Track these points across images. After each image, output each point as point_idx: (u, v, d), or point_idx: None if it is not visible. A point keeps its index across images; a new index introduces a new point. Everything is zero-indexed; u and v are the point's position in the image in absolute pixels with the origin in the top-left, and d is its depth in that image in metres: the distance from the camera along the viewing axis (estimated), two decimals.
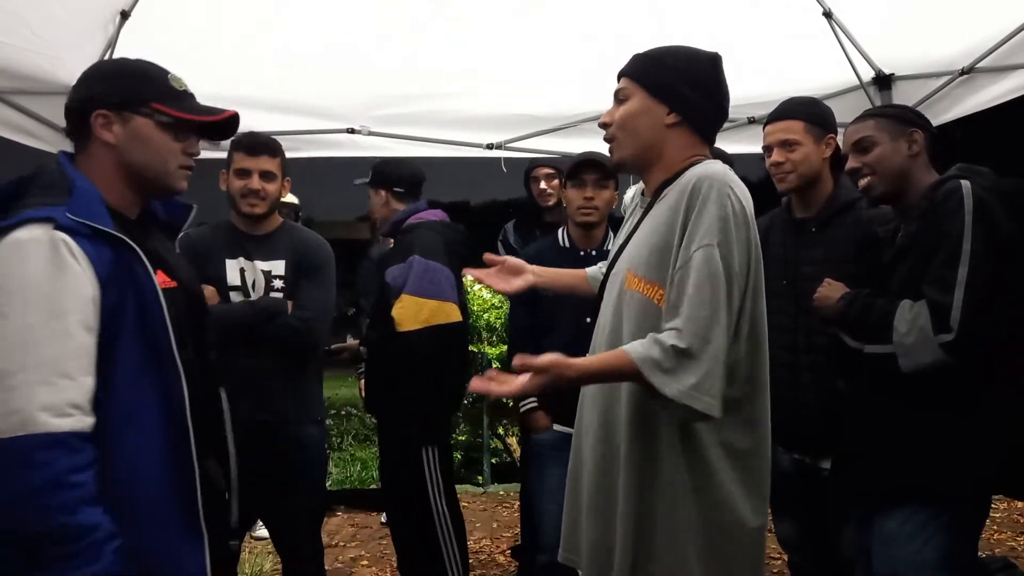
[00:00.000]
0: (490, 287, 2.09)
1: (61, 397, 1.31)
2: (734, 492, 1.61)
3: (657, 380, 1.51)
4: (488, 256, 2.09)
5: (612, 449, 1.68)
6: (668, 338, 1.52)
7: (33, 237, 1.35)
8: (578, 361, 1.56)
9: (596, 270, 2.06)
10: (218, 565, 1.57)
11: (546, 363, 1.50)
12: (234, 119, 1.63)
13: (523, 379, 1.51)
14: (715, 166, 1.65)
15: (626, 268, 1.70)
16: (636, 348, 1.54)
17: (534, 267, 2.07)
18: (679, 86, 1.70)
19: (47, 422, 1.28)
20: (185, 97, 1.58)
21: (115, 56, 3.26)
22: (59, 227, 1.37)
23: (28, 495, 1.27)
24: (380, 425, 3.13)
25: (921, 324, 1.83)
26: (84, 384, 1.35)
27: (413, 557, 2.98)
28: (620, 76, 1.77)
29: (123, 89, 1.53)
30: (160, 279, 1.48)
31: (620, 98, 1.75)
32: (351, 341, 2.87)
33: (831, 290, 2.09)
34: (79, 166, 1.52)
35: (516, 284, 2.02)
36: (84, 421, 1.33)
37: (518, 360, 1.51)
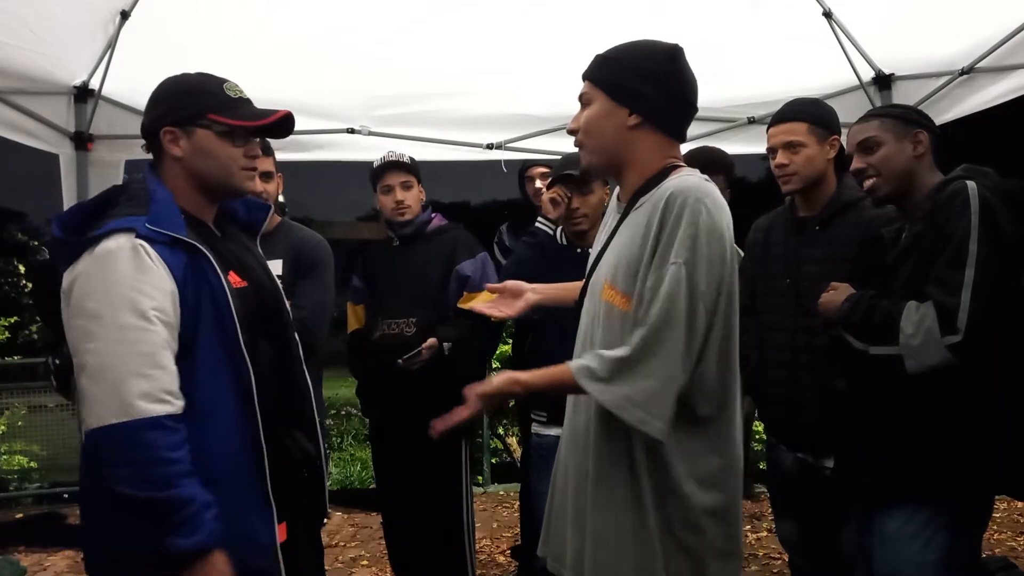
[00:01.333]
0: (493, 316, 2.07)
1: (155, 385, 1.49)
2: (702, 513, 1.58)
3: (592, 387, 1.53)
4: (490, 286, 2.10)
5: (586, 461, 1.66)
6: (613, 352, 1.54)
7: (118, 246, 1.52)
8: (525, 375, 1.63)
9: None
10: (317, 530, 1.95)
11: (496, 385, 1.62)
12: (287, 119, 1.73)
13: (472, 401, 1.62)
14: (690, 179, 1.59)
15: (604, 278, 1.67)
16: (576, 360, 1.59)
17: (534, 286, 2.05)
18: (638, 86, 1.63)
19: (146, 408, 1.47)
20: (240, 104, 1.70)
21: (115, 56, 3.27)
22: (139, 236, 1.54)
23: (137, 470, 1.46)
24: (418, 425, 2.97)
25: (928, 326, 1.82)
26: (173, 371, 1.52)
27: (436, 552, 2.97)
28: (583, 79, 1.72)
29: (183, 105, 1.67)
30: (232, 279, 1.65)
31: (583, 102, 1.71)
32: (430, 341, 2.84)
33: (836, 294, 2.08)
34: (160, 177, 1.69)
35: (518, 307, 1.99)
36: (176, 404, 1.51)
37: (467, 390, 1.62)
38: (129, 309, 1.49)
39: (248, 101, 1.72)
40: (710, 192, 1.57)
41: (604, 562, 1.61)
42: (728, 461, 1.63)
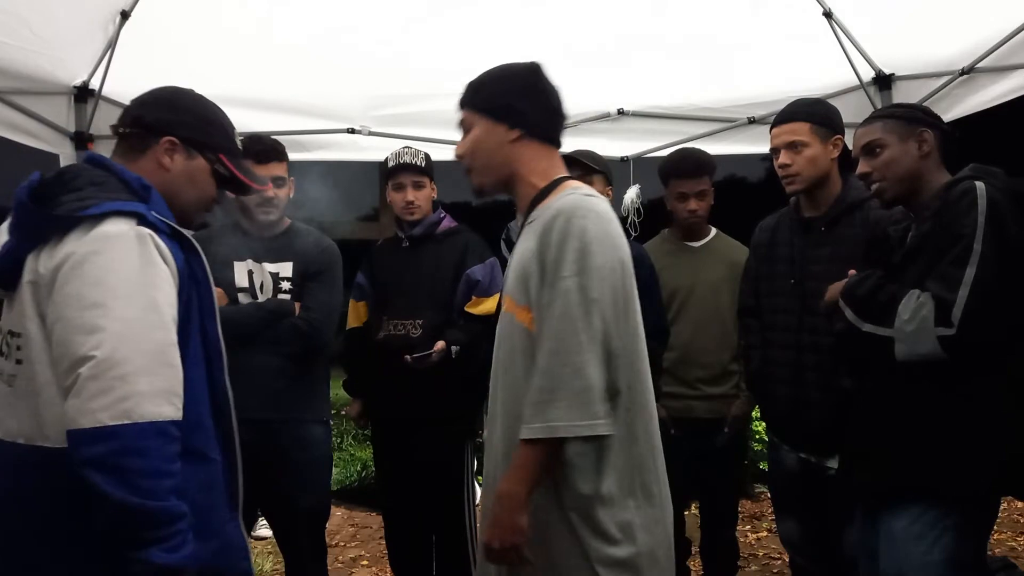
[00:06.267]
0: None
1: (163, 386, 1.37)
2: (614, 510, 1.62)
3: (543, 432, 1.53)
4: None
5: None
6: (529, 395, 1.56)
7: (121, 232, 1.41)
8: (504, 489, 1.58)
9: None
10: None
11: (510, 527, 1.55)
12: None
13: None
14: (571, 197, 1.65)
15: (506, 293, 1.74)
16: (524, 429, 1.55)
17: None
18: (511, 101, 1.73)
19: (151, 411, 1.34)
20: (239, 155, 1.73)
21: (115, 56, 3.26)
22: (143, 222, 1.44)
23: (133, 480, 1.32)
24: (421, 426, 2.89)
25: (924, 314, 1.81)
26: (179, 374, 1.41)
27: (439, 553, 2.98)
28: (460, 107, 1.80)
29: (202, 130, 1.65)
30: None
31: (464, 128, 1.79)
32: (439, 344, 2.79)
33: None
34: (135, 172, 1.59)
35: None
36: (180, 409, 1.39)
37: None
38: (137, 303, 1.38)
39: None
40: (593, 207, 1.63)
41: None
42: (645, 454, 1.67)
